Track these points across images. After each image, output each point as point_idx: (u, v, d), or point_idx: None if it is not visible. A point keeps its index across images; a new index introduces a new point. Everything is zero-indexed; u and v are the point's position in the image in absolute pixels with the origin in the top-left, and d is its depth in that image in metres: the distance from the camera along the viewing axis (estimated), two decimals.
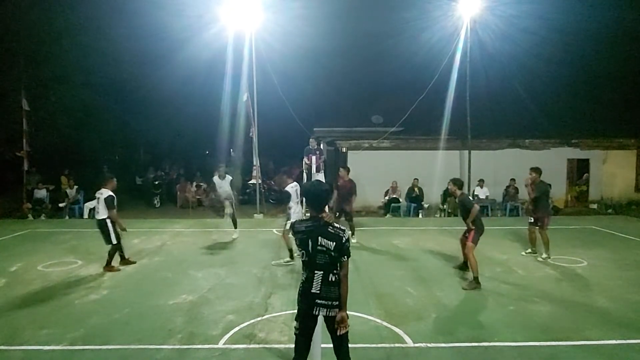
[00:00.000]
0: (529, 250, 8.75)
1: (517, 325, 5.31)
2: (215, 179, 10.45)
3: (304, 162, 13.41)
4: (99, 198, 7.63)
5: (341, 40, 19.64)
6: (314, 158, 12.81)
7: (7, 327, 5.27)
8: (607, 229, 11.50)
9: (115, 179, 8.01)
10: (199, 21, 15.31)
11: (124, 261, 8.02)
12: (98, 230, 7.66)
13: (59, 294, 6.46)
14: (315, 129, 17.40)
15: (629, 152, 16.97)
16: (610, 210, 15.53)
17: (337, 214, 9.85)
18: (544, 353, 4.61)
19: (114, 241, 7.63)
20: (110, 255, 7.69)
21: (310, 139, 13.84)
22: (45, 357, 4.59)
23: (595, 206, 16.12)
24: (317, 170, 12.76)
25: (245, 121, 15.38)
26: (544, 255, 8.32)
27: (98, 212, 7.65)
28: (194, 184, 17.87)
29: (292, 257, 7.96)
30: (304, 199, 7.51)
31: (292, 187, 8.04)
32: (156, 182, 18.20)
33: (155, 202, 17.27)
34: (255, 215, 14.31)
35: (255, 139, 14.42)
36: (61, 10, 16.27)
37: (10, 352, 4.64)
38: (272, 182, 20.11)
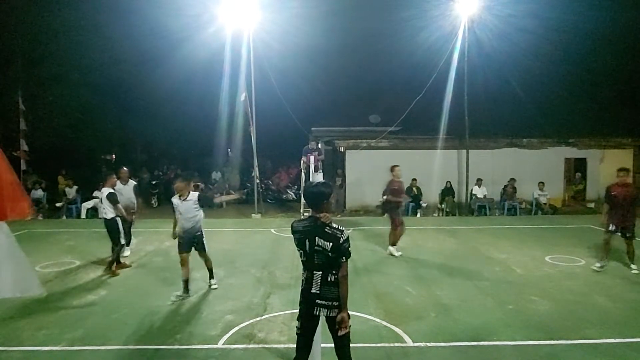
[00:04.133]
0: (601, 264, 7.60)
1: (516, 324, 5.32)
2: (117, 184, 8.49)
3: (302, 162, 13.41)
4: (101, 197, 7.53)
5: (339, 40, 19.62)
6: (312, 157, 12.81)
7: (6, 327, 5.25)
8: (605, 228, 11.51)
9: (114, 176, 7.90)
10: (197, 20, 15.28)
11: (120, 264, 7.78)
12: (105, 230, 7.54)
13: (57, 295, 6.44)
14: (313, 128, 17.41)
15: (626, 151, 17.01)
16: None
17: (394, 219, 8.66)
18: (543, 352, 4.62)
19: (122, 241, 7.59)
20: (117, 254, 7.58)
21: (311, 140, 13.89)
22: (43, 357, 4.57)
23: (592, 205, 16.17)
24: (316, 170, 12.76)
25: (244, 121, 15.38)
26: (634, 266, 7.50)
27: (105, 212, 7.48)
28: (192, 183, 17.81)
29: (186, 289, 6.43)
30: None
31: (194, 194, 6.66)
32: (153, 182, 18.17)
33: (153, 202, 17.25)
34: (253, 215, 14.30)
35: (253, 139, 14.40)
36: (58, 10, 16.22)
37: (9, 353, 4.62)
38: (270, 182, 20.13)
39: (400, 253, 8.69)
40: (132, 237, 9.05)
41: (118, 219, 7.44)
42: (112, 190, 7.50)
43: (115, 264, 7.52)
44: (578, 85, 18.90)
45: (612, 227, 7.52)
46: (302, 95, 18.16)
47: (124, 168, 9.02)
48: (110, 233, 7.46)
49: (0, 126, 15.65)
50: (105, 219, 7.47)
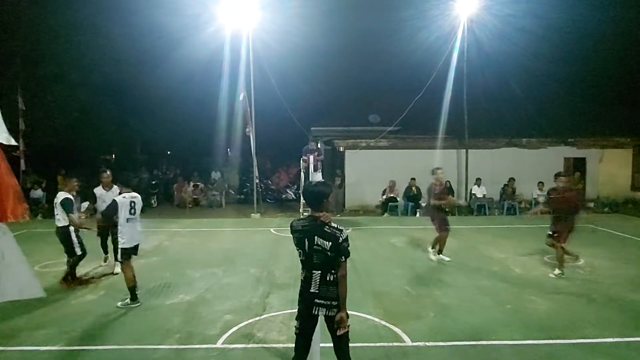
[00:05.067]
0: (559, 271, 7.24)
1: (514, 323, 5.32)
2: (98, 190, 7.68)
3: (301, 161, 13.41)
4: (55, 203, 6.72)
5: (338, 39, 19.63)
6: (311, 157, 12.80)
7: (4, 327, 5.24)
8: (604, 228, 11.55)
9: (75, 181, 7.07)
10: (196, 20, 15.29)
11: (76, 280, 6.93)
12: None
13: (56, 295, 6.43)
14: (312, 128, 17.40)
15: (625, 150, 17.04)
16: (606, 209, 15.59)
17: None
18: (541, 351, 4.62)
19: (78, 252, 6.80)
20: (71, 267, 6.89)
21: (311, 141, 13.88)
22: (42, 357, 4.56)
23: (591, 205, 16.19)
24: (315, 170, 12.76)
25: (243, 120, 15.37)
26: (557, 272, 7.22)
27: (58, 219, 6.71)
28: (192, 183, 17.85)
29: (134, 297, 5.99)
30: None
31: (122, 198, 5.96)
32: (153, 182, 18.17)
33: (152, 201, 17.25)
34: (252, 214, 14.30)
35: (252, 138, 14.40)
36: (57, 9, 16.20)
37: (7, 353, 4.61)
38: (270, 182, 20.15)
39: (448, 258, 8.17)
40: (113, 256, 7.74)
41: (72, 228, 6.69)
42: (68, 196, 6.68)
43: (71, 278, 6.88)
44: (577, 85, 18.91)
45: (550, 232, 7.41)
46: (301, 95, 18.17)
47: (106, 172, 7.81)
48: (62, 243, 6.76)
49: None
50: (57, 226, 6.72)
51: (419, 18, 15.85)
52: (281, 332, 5.04)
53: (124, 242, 5.92)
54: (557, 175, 7.39)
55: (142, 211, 6.41)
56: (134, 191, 6.15)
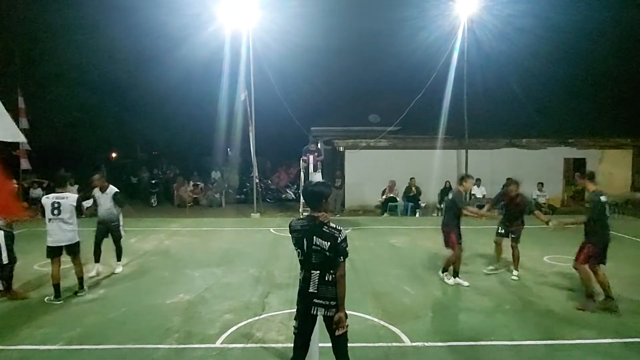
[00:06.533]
0: (492, 267, 7.62)
1: (513, 324, 5.33)
2: (96, 192, 7.32)
3: (301, 161, 13.41)
4: None
5: (339, 39, 19.63)
6: (311, 157, 12.80)
7: (4, 326, 5.25)
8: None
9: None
10: (196, 20, 15.28)
11: (11, 293, 6.21)
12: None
13: None
14: (312, 128, 17.40)
15: (625, 151, 17.05)
16: None
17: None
18: (540, 352, 4.63)
19: (5, 260, 6.14)
20: (5, 278, 6.23)
21: (311, 142, 13.89)
22: (41, 356, 4.57)
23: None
24: (315, 170, 12.76)
25: (243, 120, 15.37)
26: (515, 273, 7.26)
27: None
28: (191, 183, 17.86)
29: (57, 295, 6.09)
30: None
31: (46, 198, 6.23)
32: (153, 181, 18.18)
33: (152, 201, 17.27)
34: (252, 214, 14.31)
35: (252, 139, 14.40)
36: (57, 9, 16.22)
37: (7, 352, 4.62)
38: (269, 182, 20.17)
39: (467, 283, 6.91)
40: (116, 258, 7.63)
41: (1, 233, 6.19)
42: None
43: (6, 289, 6.24)
44: (577, 85, 18.94)
45: (501, 230, 7.67)
46: (301, 94, 18.17)
47: (97, 175, 7.39)
48: None
49: None
50: None
51: (419, 18, 15.85)
52: (280, 331, 5.05)
53: (47, 240, 6.18)
54: (509, 181, 7.75)
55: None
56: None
